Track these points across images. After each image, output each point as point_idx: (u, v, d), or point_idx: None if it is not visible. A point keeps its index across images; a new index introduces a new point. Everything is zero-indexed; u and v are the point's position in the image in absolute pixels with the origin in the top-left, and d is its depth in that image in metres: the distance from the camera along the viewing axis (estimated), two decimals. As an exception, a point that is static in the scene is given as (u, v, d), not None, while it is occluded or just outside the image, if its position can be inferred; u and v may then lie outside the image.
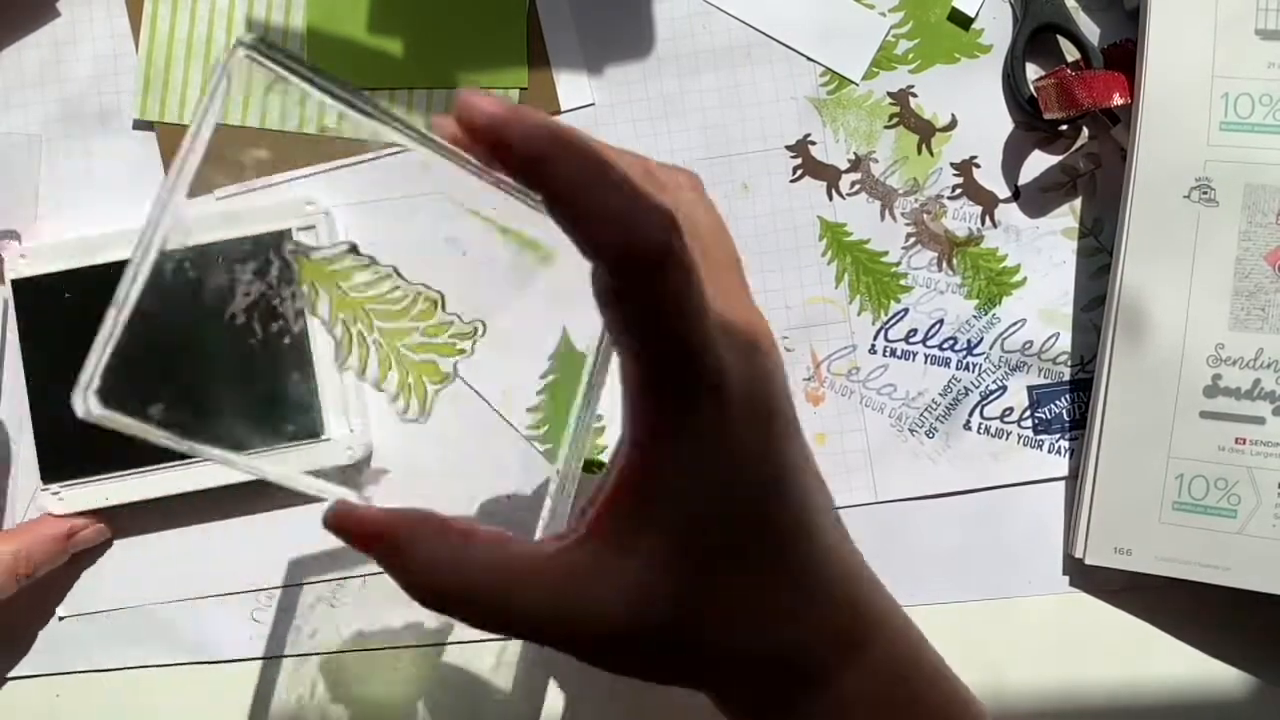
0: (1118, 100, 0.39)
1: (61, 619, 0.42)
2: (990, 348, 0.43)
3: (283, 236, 0.42)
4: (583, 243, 0.23)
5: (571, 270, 0.23)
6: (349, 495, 0.28)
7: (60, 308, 0.42)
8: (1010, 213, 0.43)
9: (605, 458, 0.42)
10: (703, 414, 0.24)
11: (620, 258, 0.23)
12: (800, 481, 0.26)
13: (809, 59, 0.44)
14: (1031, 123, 0.43)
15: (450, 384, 0.31)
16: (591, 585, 0.25)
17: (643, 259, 0.23)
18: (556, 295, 0.43)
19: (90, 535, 0.41)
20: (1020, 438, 0.42)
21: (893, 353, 0.43)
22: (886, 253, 0.43)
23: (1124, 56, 0.42)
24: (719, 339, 0.24)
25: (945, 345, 0.43)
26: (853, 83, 0.44)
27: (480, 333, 0.31)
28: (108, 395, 0.28)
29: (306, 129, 0.43)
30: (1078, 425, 0.42)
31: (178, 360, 0.43)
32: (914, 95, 0.44)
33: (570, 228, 0.23)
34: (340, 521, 0.26)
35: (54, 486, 0.41)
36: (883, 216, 0.43)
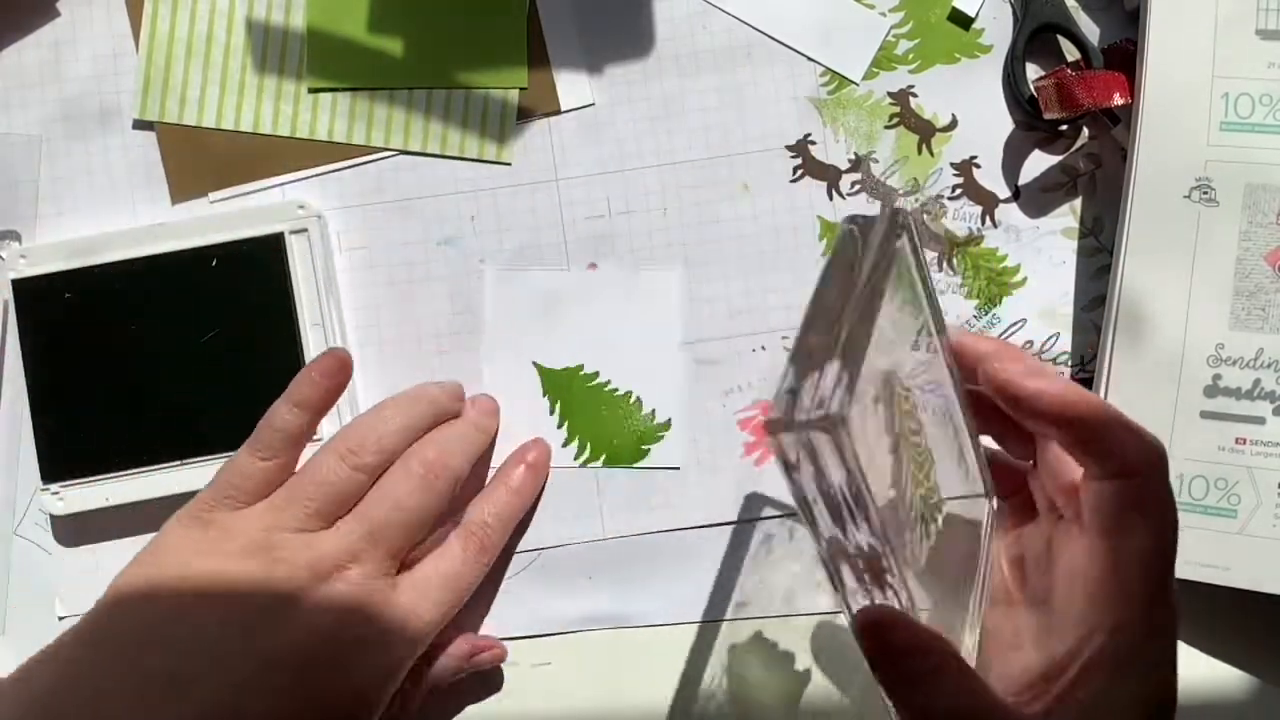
0: (1118, 100, 0.39)
1: (61, 619, 0.42)
2: (990, 348, 0.43)
3: (276, 240, 0.42)
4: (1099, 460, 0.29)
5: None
6: None
7: (60, 308, 0.42)
8: (1010, 213, 0.43)
9: (655, 450, 0.42)
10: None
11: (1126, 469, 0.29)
12: None
13: (809, 59, 0.44)
14: (1031, 123, 0.43)
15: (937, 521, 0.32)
16: None
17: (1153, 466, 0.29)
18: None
19: (487, 659, 0.41)
20: (1020, 438, 0.42)
21: (893, 353, 0.43)
22: (886, 253, 0.43)
23: (1124, 56, 0.42)
24: None
25: (945, 345, 0.43)
26: (853, 83, 0.44)
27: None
28: None
29: (299, 133, 0.43)
30: (1078, 425, 0.42)
31: (170, 363, 0.43)
32: (914, 95, 0.44)
33: (1083, 449, 0.29)
34: (885, 630, 0.27)
35: (54, 486, 0.41)
36: (883, 216, 0.43)
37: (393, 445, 0.37)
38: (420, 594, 0.36)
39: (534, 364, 0.43)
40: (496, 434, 0.42)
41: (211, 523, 0.36)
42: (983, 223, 0.43)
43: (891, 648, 0.27)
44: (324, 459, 0.37)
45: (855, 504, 0.24)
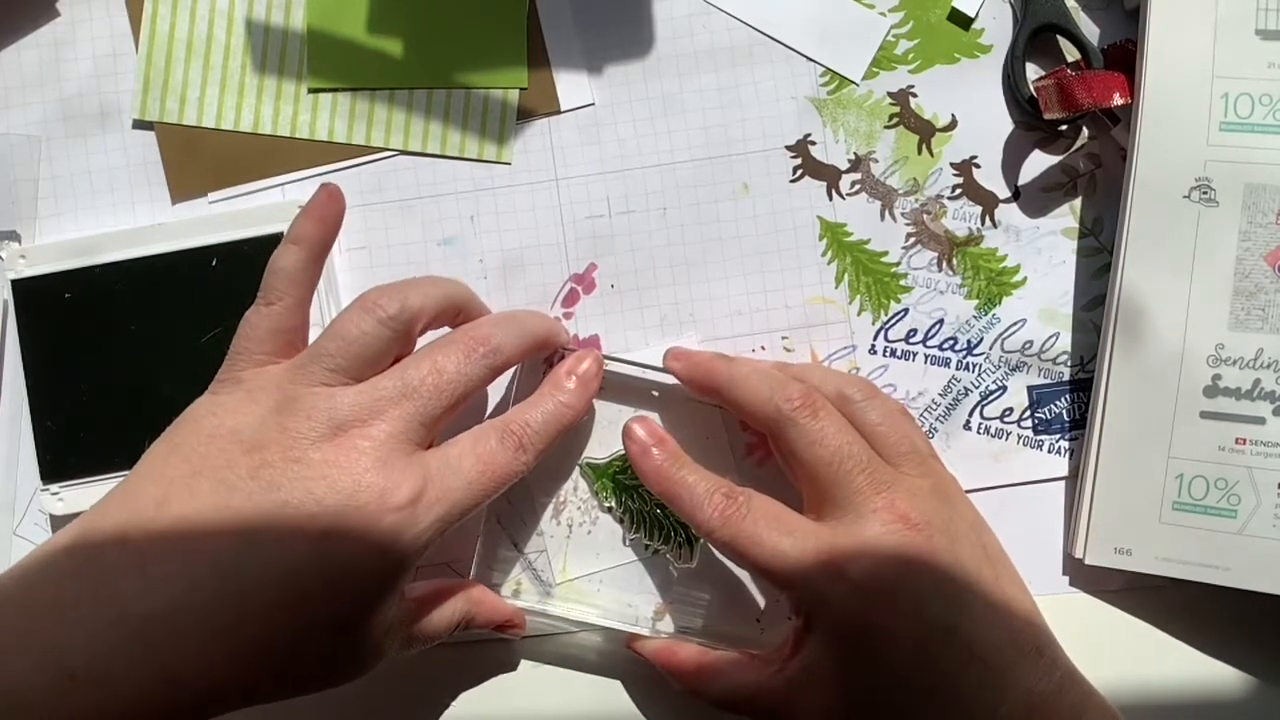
0: (1118, 100, 0.39)
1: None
2: (990, 348, 0.43)
3: (275, 240, 0.42)
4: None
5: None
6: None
7: (60, 308, 0.42)
8: (1010, 213, 0.43)
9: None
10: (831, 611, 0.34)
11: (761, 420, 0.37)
12: (968, 668, 0.33)
13: (809, 59, 0.44)
14: (1031, 123, 0.43)
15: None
16: (792, 705, 0.35)
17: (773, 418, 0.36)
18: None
19: (513, 633, 0.40)
20: (1020, 438, 0.42)
21: (893, 353, 0.43)
22: (886, 253, 0.43)
23: (1124, 56, 0.42)
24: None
25: (945, 345, 0.43)
26: (853, 83, 0.44)
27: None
28: None
29: (299, 134, 0.43)
30: (1078, 425, 0.42)
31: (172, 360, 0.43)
32: (914, 95, 0.43)
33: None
34: (636, 648, 0.40)
35: (54, 486, 0.41)
36: (883, 216, 0.43)
37: (420, 303, 0.35)
38: (452, 470, 0.34)
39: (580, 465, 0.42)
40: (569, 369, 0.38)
41: (240, 382, 0.34)
42: (983, 223, 0.43)
43: (676, 662, 0.38)
44: (347, 313, 0.35)
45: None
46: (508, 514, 0.41)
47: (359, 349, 0.34)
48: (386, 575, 0.33)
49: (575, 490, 0.41)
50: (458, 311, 0.38)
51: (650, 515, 0.40)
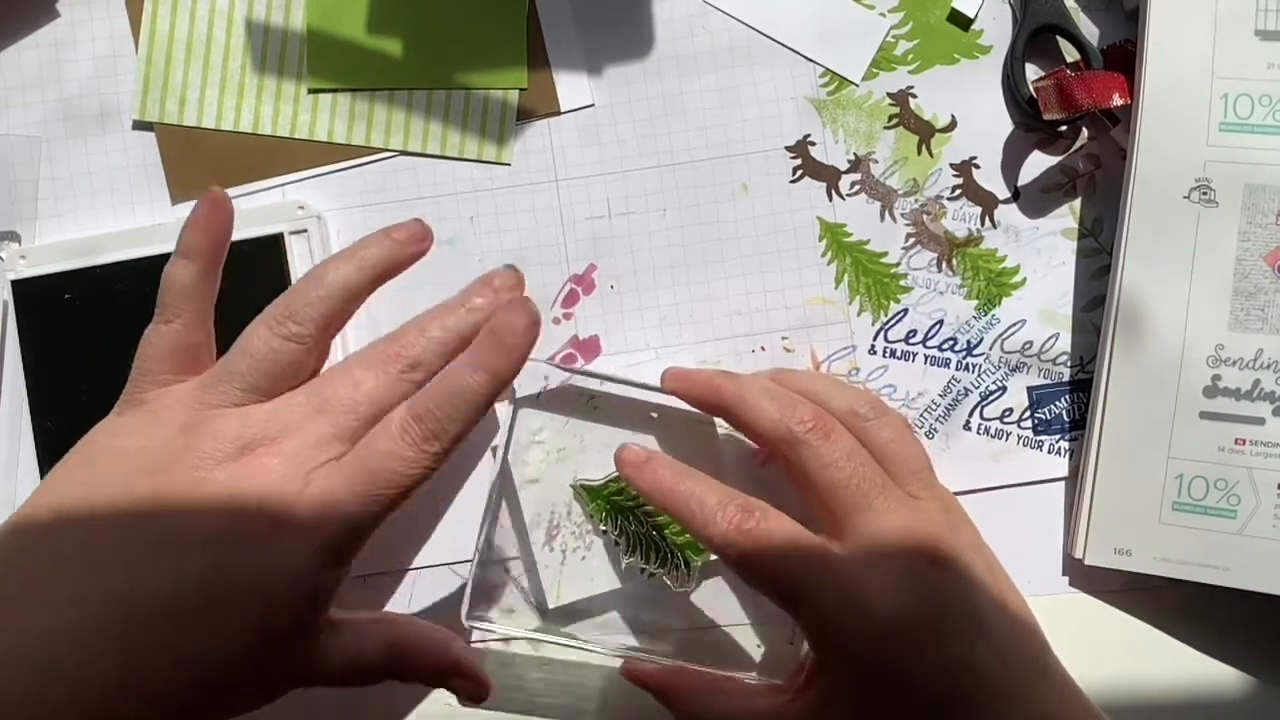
0: (1117, 101, 0.39)
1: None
2: (990, 348, 0.43)
3: (275, 240, 0.42)
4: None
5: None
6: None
7: (60, 308, 0.42)
8: (1010, 213, 0.43)
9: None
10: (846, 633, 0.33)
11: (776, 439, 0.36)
12: (983, 690, 0.33)
13: (809, 59, 0.44)
14: (1031, 123, 0.43)
15: (710, 558, 0.40)
16: None
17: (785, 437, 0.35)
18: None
19: (462, 686, 0.37)
20: (1020, 438, 0.42)
21: (892, 353, 0.43)
22: (886, 253, 0.43)
23: (1124, 57, 0.42)
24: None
25: (945, 346, 0.43)
26: (852, 83, 0.44)
27: None
28: None
29: (298, 134, 0.43)
30: (1078, 425, 0.42)
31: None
32: (914, 96, 0.44)
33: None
34: (633, 675, 0.38)
35: (54, 487, 0.41)
36: (882, 217, 0.43)
37: (328, 308, 0.34)
38: (342, 479, 0.32)
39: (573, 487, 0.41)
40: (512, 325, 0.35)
41: (143, 403, 0.34)
42: (982, 223, 0.43)
43: (648, 688, 0.38)
44: (254, 329, 0.34)
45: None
46: (500, 538, 0.40)
47: (268, 365, 0.33)
48: (292, 596, 0.31)
49: (569, 514, 0.41)
50: (376, 282, 0.36)
51: (647, 538, 0.40)
